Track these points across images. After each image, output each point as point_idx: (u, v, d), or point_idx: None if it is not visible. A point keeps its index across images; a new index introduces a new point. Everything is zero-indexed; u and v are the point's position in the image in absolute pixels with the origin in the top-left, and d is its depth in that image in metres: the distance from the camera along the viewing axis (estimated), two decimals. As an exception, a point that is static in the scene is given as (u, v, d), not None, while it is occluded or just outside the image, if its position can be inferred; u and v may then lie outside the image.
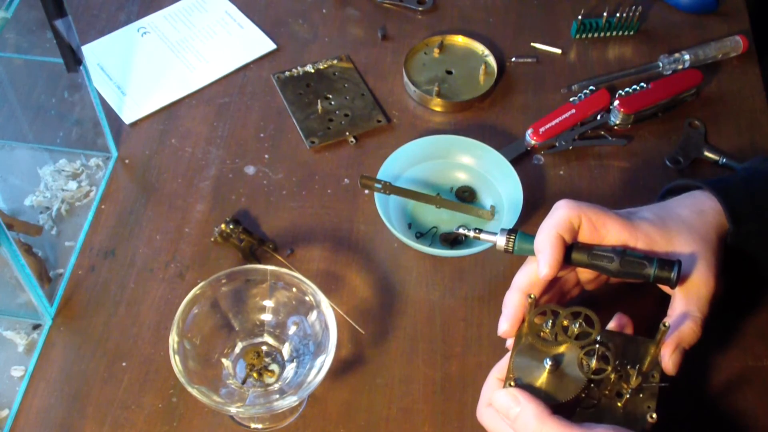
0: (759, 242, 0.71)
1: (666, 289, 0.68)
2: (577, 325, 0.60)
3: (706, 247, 0.67)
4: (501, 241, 0.68)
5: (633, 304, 0.73)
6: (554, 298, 0.71)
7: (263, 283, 0.73)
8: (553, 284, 0.69)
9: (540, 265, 0.64)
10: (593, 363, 0.59)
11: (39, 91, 0.95)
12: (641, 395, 0.60)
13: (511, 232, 0.68)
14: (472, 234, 0.71)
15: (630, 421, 0.59)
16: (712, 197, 0.71)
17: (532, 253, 0.66)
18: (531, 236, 0.67)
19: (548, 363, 0.59)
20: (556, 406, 0.59)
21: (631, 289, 0.75)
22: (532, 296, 0.62)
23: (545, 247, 0.64)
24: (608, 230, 0.66)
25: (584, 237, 0.66)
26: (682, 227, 0.68)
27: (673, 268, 0.63)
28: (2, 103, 0.93)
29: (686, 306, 0.65)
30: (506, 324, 0.65)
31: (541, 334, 0.62)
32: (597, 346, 0.60)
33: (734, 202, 0.70)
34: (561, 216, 0.65)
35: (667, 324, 0.60)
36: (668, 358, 0.63)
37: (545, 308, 0.62)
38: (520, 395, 0.58)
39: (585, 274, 0.71)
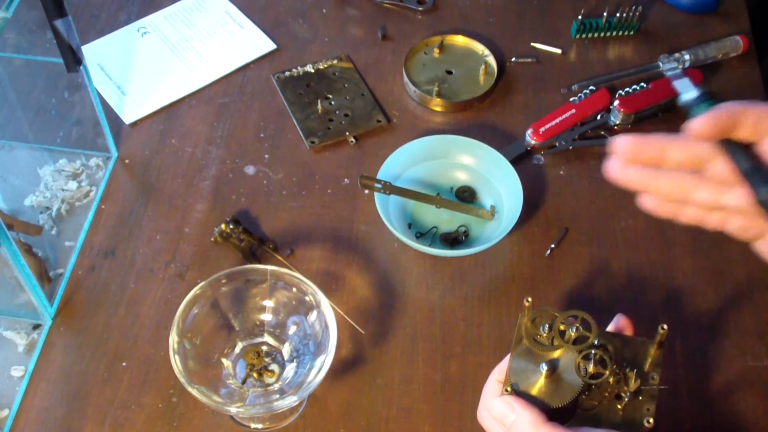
0: None
1: None
2: (574, 329, 0.60)
3: None
4: (691, 95, 0.57)
5: (631, 307, 0.73)
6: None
7: (263, 283, 0.73)
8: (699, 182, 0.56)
9: (698, 120, 0.52)
10: (591, 367, 0.59)
11: (39, 91, 0.95)
12: (641, 398, 0.60)
13: (709, 97, 0.57)
14: (694, 94, 0.58)
15: (629, 424, 0.59)
16: None
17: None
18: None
19: (544, 368, 0.59)
20: (555, 410, 0.58)
21: (629, 293, 0.75)
22: (530, 299, 0.62)
23: (717, 112, 0.52)
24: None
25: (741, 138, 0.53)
26: None
27: None
28: (2, 103, 0.93)
29: None
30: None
31: (538, 338, 0.61)
32: (594, 350, 0.59)
33: None
34: (737, 105, 0.52)
35: (665, 326, 0.60)
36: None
37: (542, 311, 0.62)
38: (515, 403, 0.58)
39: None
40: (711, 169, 0.54)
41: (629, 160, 0.55)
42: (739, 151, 0.53)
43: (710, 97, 0.56)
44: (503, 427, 0.59)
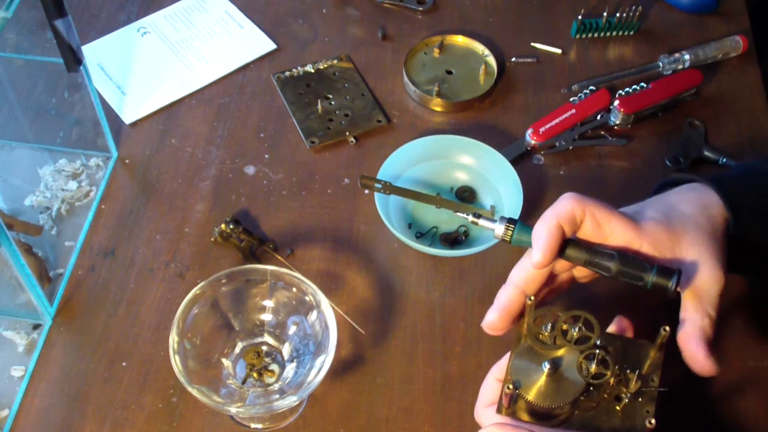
0: (760, 232, 0.70)
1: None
2: (577, 329, 0.60)
3: (713, 245, 0.66)
4: (499, 229, 0.66)
5: (634, 306, 0.73)
6: (549, 295, 0.70)
7: (263, 283, 0.73)
8: (548, 282, 0.69)
9: (534, 252, 0.63)
10: (593, 367, 0.59)
11: (39, 91, 0.95)
12: (640, 399, 0.60)
13: (510, 221, 0.67)
14: (470, 219, 0.69)
15: (628, 425, 0.59)
16: (712, 191, 0.70)
17: (529, 245, 0.65)
18: (531, 228, 0.65)
19: (546, 366, 0.59)
20: (553, 410, 0.58)
21: (632, 291, 0.75)
22: (532, 298, 0.62)
23: (542, 234, 0.63)
24: (612, 229, 0.64)
25: (586, 233, 0.65)
26: (689, 225, 0.66)
27: (673, 277, 0.61)
28: (2, 103, 0.93)
29: (699, 308, 0.64)
30: (494, 314, 0.64)
31: (540, 337, 0.61)
32: (597, 350, 0.59)
33: (733, 194, 0.69)
34: (564, 207, 0.63)
35: (667, 328, 0.60)
36: (705, 359, 0.62)
37: (545, 311, 0.62)
38: (505, 429, 0.57)
39: (581, 271, 0.70)
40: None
41: (505, 325, 0.66)
42: (573, 252, 0.64)
43: (513, 220, 0.67)
44: None
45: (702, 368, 0.62)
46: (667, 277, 0.62)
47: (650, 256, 0.65)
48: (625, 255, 0.63)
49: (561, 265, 0.66)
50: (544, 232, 0.63)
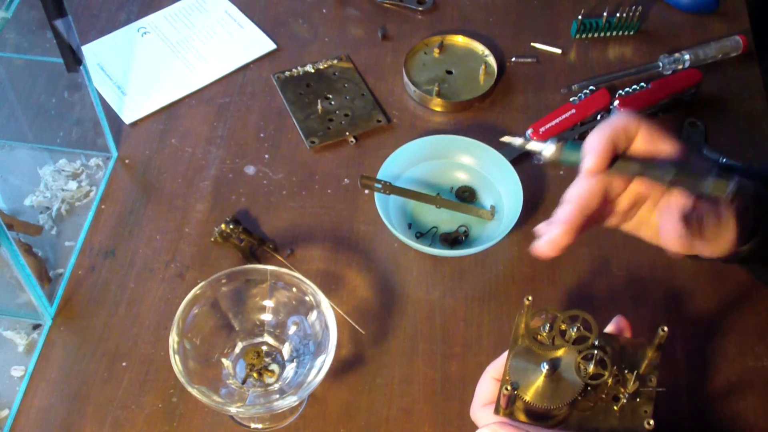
0: None
1: None
2: (575, 329, 0.60)
3: None
4: (549, 149, 0.63)
5: (631, 307, 0.73)
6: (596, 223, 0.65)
7: (263, 283, 0.73)
8: (600, 212, 0.64)
9: (586, 159, 0.60)
10: (591, 368, 0.59)
11: (39, 91, 0.95)
12: (638, 399, 0.60)
13: (560, 139, 0.63)
14: (518, 142, 0.66)
15: (626, 425, 0.59)
16: None
17: (578, 163, 0.62)
18: (581, 144, 0.62)
19: (545, 367, 0.59)
20: (550, 411, 0.58)
21: (631, 292, 0.75)
22: (530, 298, 0.61)
23: (596, 141, 0.60)
24: (661, 150, 0.61)
25: (637, 151, 0.61)
26: None
27: (732, 179, 0.57)
28: (2, 103, 0.93)
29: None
30: (557, 228, 0.60)
31: (538, 337, 0.61)
32: (594, 350, 0.59)
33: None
34: (619, 121, 0.61)
35: (665, 328, 0.60)
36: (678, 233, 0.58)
37: (543, 310, 0.62)
38: (504, 428, 0.57)
39: (622, 204, 0.65)
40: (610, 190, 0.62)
41: (566, 243, 0.60)
42: (655, 165, 0.59)
43: (564, 139, 0.63)
44: None
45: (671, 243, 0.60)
46: (725, 179, 0.57)
47: None
48: (682, 164, 0.59)
49: (614, 190, 0.63)
50: (597, 140, 0.60)
